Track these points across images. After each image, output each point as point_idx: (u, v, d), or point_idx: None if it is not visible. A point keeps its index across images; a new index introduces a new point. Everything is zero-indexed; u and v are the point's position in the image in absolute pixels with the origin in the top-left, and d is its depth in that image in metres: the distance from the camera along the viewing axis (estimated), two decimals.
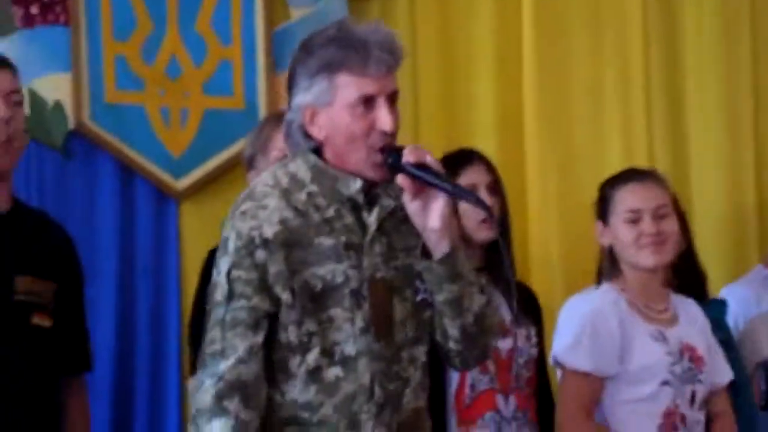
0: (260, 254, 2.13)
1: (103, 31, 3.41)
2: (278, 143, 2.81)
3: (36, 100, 3.32)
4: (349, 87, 2.15)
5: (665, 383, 2.84)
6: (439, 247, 2.18)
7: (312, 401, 2.14)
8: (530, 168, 3.76)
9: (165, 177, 3.50)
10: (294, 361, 2.15)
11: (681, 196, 3.34)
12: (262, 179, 2.23)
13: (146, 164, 3.47)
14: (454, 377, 2.94)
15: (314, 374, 2.14)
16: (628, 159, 3.75)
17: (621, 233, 2.90)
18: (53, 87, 3.35)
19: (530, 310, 3.08)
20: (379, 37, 2.18)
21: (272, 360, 2.16)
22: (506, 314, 2.97)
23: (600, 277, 3.01)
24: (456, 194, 2.20)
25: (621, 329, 2.84)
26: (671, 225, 2.91)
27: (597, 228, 2.99)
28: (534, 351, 3.02)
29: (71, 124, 3.38)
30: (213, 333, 2.14)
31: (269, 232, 2.13)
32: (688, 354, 2.87)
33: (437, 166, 2.17)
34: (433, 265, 2.18)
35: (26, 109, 3.25)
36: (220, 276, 2.17)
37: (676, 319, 2.94)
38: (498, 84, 3.80)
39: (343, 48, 2.15)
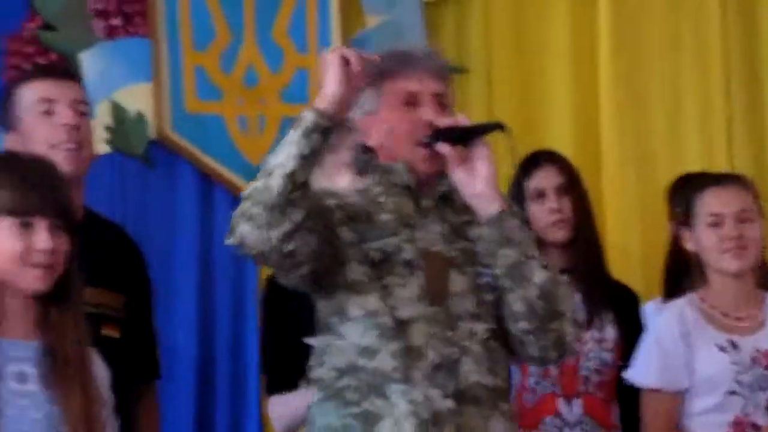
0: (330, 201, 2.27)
1: (183, 41, 3.56)
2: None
3: (118, 110, 3.47)
4: (393, 89, 2.30)
5: (732, 393, 2.88)
6: (488, 210, 2.26)
7: (371, 345, 2.22)
8: (606, 164, 3.82)
9: (243, 184, 3.62)
10: (355, 302, 2.24)
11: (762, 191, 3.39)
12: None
13: (225, 172, 3.60)
14: (515, 379, 2.99)
15: (373, 319, 2.22)
16: (707, 153, 3.80)
17: (704, 238, 2.95)
18: (135, 97, 3.50)
19: (621, 312, 3.10)
20: (422, 47, 2.38)
21: (332, 303, 2.26)
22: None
23: (667, 285, 3.07)
24: (482, 131, 2.30)
25: (685, 342, 2.89)
26: (754, 230, 2.95)
27: (678, 232, 3.05)
28: (608, 356, 3.05)
29: (152, 133, 3.53)
30: None
31: (335, 202, 2.26)
32: (765, 362, 2.91)
33: (468, 122, 2.29)
34: (483, 230, 2.26)
35: (109, 120, 3.43)
36: None
37: (763, 324, 2.99)
38: (574, 85, 3.88)
39: (386, 59, 2.31)
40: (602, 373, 3.04)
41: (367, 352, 2.22)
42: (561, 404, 3.00)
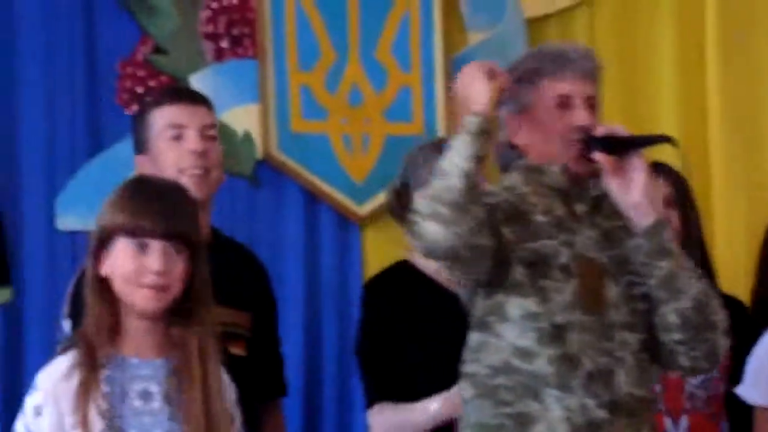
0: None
1: (289, 62, 3.66)
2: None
3: (226, 131, 3.55)
4: (546, 90, 2.38)
5: None
6: (644, 221, 2.32)
7: (528, 348, 2.28)
8: (714, 176, 3.83)
9: (348, 203, 3.72)
10: (514, 303, 2.31)
11: None
12: None
13: (330, 191, 3.69)
14: None
15: (532, 321, 2.29)
16: None
17: None
18: (242, 118, 3.60)
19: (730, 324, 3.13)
20: (575, 47, 2.47)
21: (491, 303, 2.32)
22: None
23: (756, 297, 3.08)
24: (647, 143, 2.34)
25: None
26: None
27: None
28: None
29: (259, 153, 3.63)
30: None
31: (493, 200, 2.35)
32: None
33: (627, 133, 2.34)
34: (640, 241, 2.31)
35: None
36: None
37: None
38: (680, 98, 3.89)
39: (541, 58, 2.41)
40: (709, 388, 3.04)
41: (524, 353, 2.28)
42: (667, 423, 3.01)
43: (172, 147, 2.71)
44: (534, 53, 2.46)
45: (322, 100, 3.70)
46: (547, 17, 3.92)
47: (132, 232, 2.24)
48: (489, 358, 2.31)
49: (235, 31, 3.60)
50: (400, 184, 3.09)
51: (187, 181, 2.67)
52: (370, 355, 2.99)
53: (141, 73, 3.52)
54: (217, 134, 2.79)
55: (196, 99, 2.82)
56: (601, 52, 3.89)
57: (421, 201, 2.26)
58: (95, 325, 2.26)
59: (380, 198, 3.71)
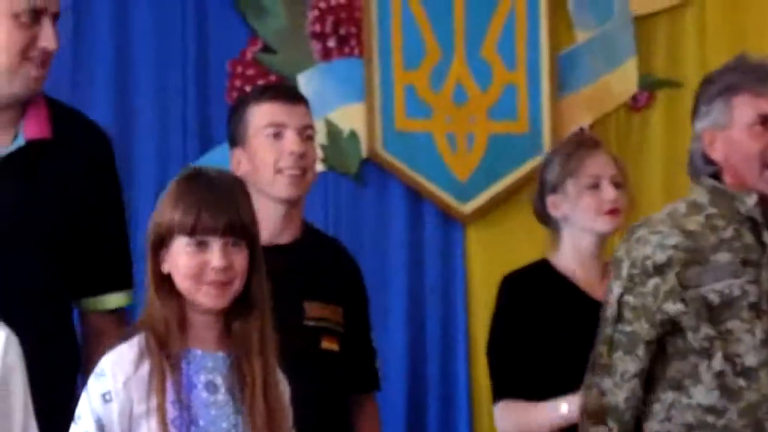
0: (651, 282, 2.40)
1: (394, 61, 3.79)
2: (590, 169, 3.04)
3: (332, 129, 3.73)
4: (746, 107, 2.40)
5: None
6: None
7: (716, 405, 2.35)
8: None
9: (451, 201, 3.84)
10: (699, 366, 2.37)
11: None
12: (665, 209, 2.49)
13: (434, 189, 3.81)
14: None
15: (719, 379, 2.35)
16: None
17: None
18: (348, 117, 3.75)
19: None
20: None
21: (678, 365, 2.39)
22: None
23: None
24: None
25: None
26: None
27: None
28: None
29: (364, 152, 3.77)
30: (600, 348, 2.47)
31: (662, 257, 2.40)
32: None
33: None
34: None
35: (323, 139, 3.70)
36: (611, 296, 2.47)
37: None
38: None
39: (740, 72, 2.42)
40: None
41: (715, 411, 2.35)
42: None
43: (270, 145, 2.79)
44: (734, 65, 2.44)
45: (427, 98, 3.82)
46: (655, 14, 3.98)
47: (190, 231, 2.26)
48: (682, 417, 2.37)
49: (342, 31, 3.75)
50: (538, 188, 3.15)
51: (284, 181, 2.77)
52: (501, 350, 3.06)
53: (250, 71, 3.68)
54: (314, 134, 2.88)
55: (296, 98, 2.89)
56: (712, 50, 3.98)
57: None
58: (161, 319, 2.28)
59: (484, 196, 3.84)
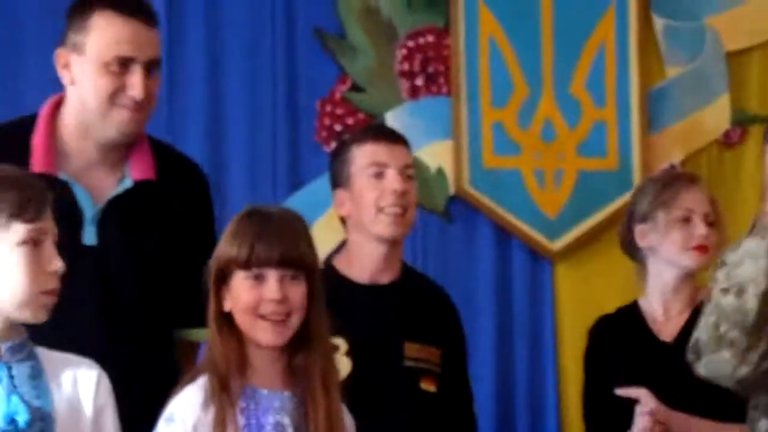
0: None
1: (482, 98, 3.88)
2: (684, 202, 3.09)
3: (420, 167, 3.78)
4: None
5: None
6: None
7: None
8: None
9: (540, 238, 3.90)
10: None
11: None
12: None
13: (522, 226, 3.88)
14: None
15: None
16: None
17: None
18: (435, 154, 3.84)
19: None
20: None
21: None
22: None
23: None
24: None
25: None
26: None
27: None
28: None
29: (452, 189, 3.86)
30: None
31: None
32: None
33: None
34: None
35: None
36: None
37: None
38: None
39: None
40: None
41: None
42: None
43: (373, 185, 2.90)
44: None
45: (515, 135, 3.90)
46: (748, 50, 4.01)
47: (246, 264, 2.32)
48: None
49: (430, 69, 3.86)
50: (627, 216, 3.18)
51: (385, 220, 2.88)
52: (589, 398, 3.11)
53: (339, 111, 3.81)
54: (414, 173, 2.98)
55: (397, 138, 3.00)
56: None
57: (706, 324, 2.18)
58: (224, 359, 2.33)
59: (573, 233, 3.90)
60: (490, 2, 3.89)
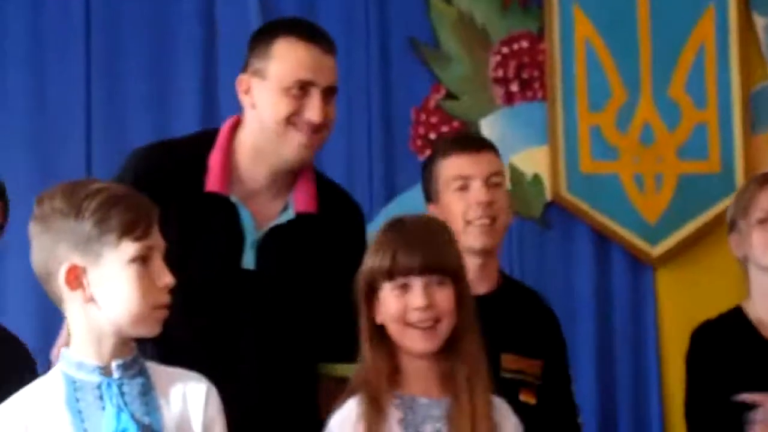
0: None
1: (579, 103, 3.95)
2: (762, 203, 3.07)
3: (516, 173, 3.91)
4: None
5: None
6: None
7: None
8: None
9: (640, 244, 3.96)
10: None
11: None
12: None
13: (621, 231, 3.95)
14: None
15: None
16: None
17: None
18: (531, 160, 3.93)
19: None
20: None
21: None
22: None
23: None
24: None
25: None
26: None
27: None
28: None
29: (549, 195, 3.94)
30: None
31: None
32: None
33: None
34: None
35: (507, 184, 3.89)
36: None
37: None
38: None
39: None
40: None
41: None
42: None
43: (458, 198, 2.97)
44: None
45: (613, 139, 3.97)
46: None
47: (390, 274, 2.42)
48: None
49: (525, 75, 3.95)
50: (730, 219, 3.19)
51: (474, 232, 2.95)
52: (693, 407, 3.12)
53: (433, 119, 3.92)
54: (503, 179, 3.04)
55: (482, 147, 3.05)
56: None
57: None
58: (375, 371, 2.42)
59: (675, 238, 3.95)
60: (586, 6, 3.96)
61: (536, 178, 3.96)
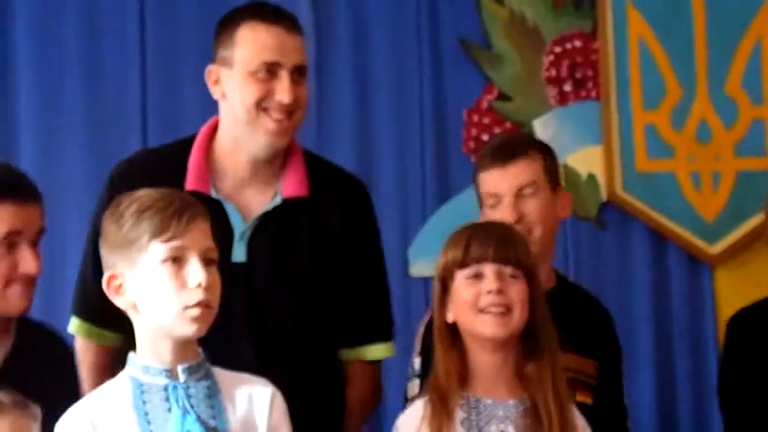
0: None
1: (633, 101, 3.99)
2: None
3: (570, 174, 3.94)
4: None
5: None
6: None
7: None
8: None
9: (698, 242, 3.99)
10: None
11: None
12: None
13: (678, 230, 3.98)
14: None
15: None
16: None
17: None
18: (586, 160, 3.97)
19: None
20: None
21: None
22: None
23: None
24: None
25: None
26: None
27: None
28: None
29: (604, 195, 3.97)
30: None
31: None
32: None
33: None
34: None
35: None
36: None
37: None
38: None
39: None
40: None
41: None
42: None
43: (490, 215, 2.99)
44: None
45: (668, 138, 4.00)
46: None
47: (464, 263, 2.52)
48: None
49: (578, 74, 4.00)
50: None
51: None
52: (728, 392, 3.19)
53: (486, 120, 3.97)
54: (538, 187, 3.02)
55: (511, 157, 3.02)
56: None
57: None
58: (445, 372, 2.50)
59: (733, 236, 3.98)
60: (639, 3, 3.99)
61: (591, 178, 4.00)
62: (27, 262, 2.61)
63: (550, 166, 3.08)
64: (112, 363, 2.76)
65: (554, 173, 3.09)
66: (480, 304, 2.50)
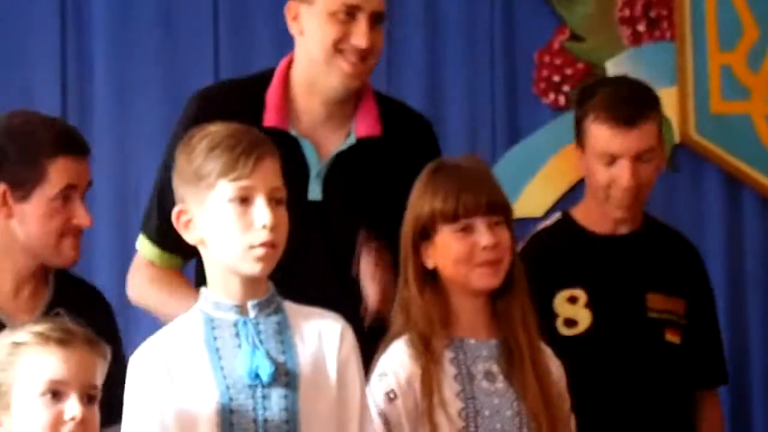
0: None
1: (709, 42, 4.01)
2: None
3: None
4: None
5: None
6: None
7: None
8: None
9: None
10: None
11: None
12: None
13: (753, 173, 4.01)
14: None
15: None
16: None
17: None
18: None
19: None
20: None
21: None
22: None
23: None
24: None
25: None
26: None
27: None
28: None
29: (677, 137, 4.00)
30: None
31: None
32: None
33: None
34: None
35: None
36: None
37: None
38: None
39: None
40: None
41: None
42: None
43: (604, 170, 3.04)
44: None
45: (744, 79, 4.02)
46: None
47: (454, 217, 2.54)
48: None
49: (653, 14, 4.01)
50: None
51: (611, 206, 3.03)
52: None
53: (558, 61, 3.99)
54: (654, 154, 3.08)
55: (636, 120, 3.05)
56: None
57: None
58: (426, 316, 2.55)
59: None
60: None
61: (664, 120, 3.99)
62: (81, 215, 2.74)
63: (661, 122, 3.15)
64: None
65: (661, 129, 3.13)
66: (476, 259, 2.54)
